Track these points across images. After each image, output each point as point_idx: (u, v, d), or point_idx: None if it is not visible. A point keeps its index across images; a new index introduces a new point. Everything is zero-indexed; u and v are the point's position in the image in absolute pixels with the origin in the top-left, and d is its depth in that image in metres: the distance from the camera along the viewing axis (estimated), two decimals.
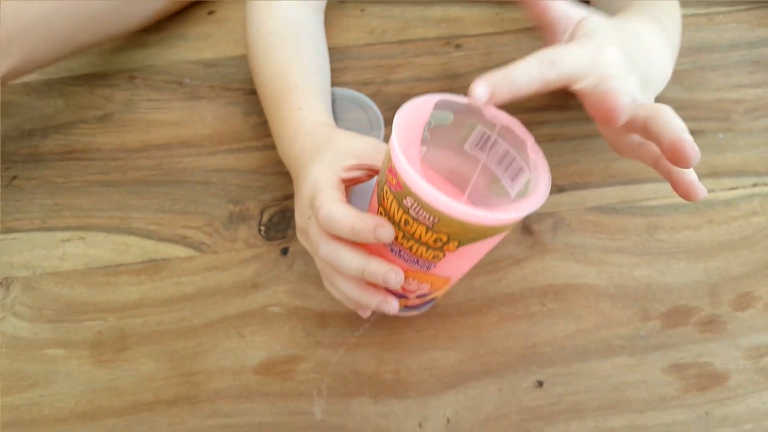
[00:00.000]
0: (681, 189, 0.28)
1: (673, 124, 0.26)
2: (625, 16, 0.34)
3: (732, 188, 0.41)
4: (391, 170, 0.25)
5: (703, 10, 0.50)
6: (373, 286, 0.29)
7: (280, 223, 0.41)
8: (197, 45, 0.49)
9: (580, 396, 0.34)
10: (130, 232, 0.41)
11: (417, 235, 0.25)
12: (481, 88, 0.25)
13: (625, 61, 0.29)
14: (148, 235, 0.40)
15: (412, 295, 0.31)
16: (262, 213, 0.41)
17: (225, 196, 0.42)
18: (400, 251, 0.27)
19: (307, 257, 0.39)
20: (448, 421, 0.33)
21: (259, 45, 0.40)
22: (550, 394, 0.34)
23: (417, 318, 0.37)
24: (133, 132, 0.45)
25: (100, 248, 0.40)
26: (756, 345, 0.36)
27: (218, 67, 0.47)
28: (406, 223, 0.25)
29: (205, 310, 0.37)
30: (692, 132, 0.43)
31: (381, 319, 0.37)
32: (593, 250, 0.39)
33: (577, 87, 0.29)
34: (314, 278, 0.38)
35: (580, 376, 0.34)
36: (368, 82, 0.46)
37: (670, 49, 0.35)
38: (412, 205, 0.24)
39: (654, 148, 0.30)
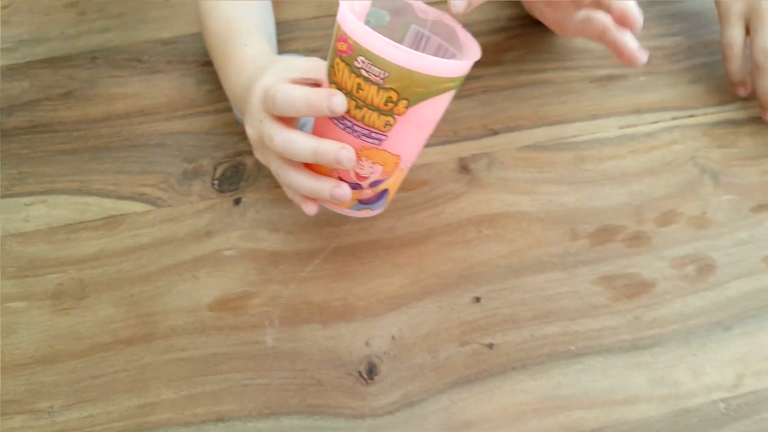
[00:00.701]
0: (625, 56, 0.35)
1: None
2: None
3: (653, 122, 0.44)
4: (341, 38, 0.26)
5: None
6: (327, 174, 0.31)
7: (232, 177, 0.43)
8: (155, 26, 0.52)
9: (515, 308, 0.36)
10: (90, 193, 0.43)
11: (369, 99, 0.27)
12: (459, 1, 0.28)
13: None
14: (107, 194, 0.42)
15: (365, 183, 0.31)
16: (215, 168, 0.43)
17: (180, 155, 0.44)
18: (352, 126, 0.28)
19: (259, 205, 0.41)
20: (393, 338, 0.35)
21: (207, 3, 0.43)
22: (487, 308, 0.36)
23: (363, 251, 0.39)
24: (95, 105, 0.47)
25: (61, 209, 0.42)
26: (680, 255, 0.38)
27: (175, 44, 0.50)
28: (359, 88, 0.27)
29: (161, 257, 0.39)
30: (616, 77, 0.48)
31: (330, 254, 0.39)
32: (525, 182, 0.41)
33: None
34: (267, 223, 0.41)
35: (515, 291, 0.36)
36: (317, 49, 0.49)
37: None
38: (363, 64, 0.25)
39: (598, 23, 0.36)
